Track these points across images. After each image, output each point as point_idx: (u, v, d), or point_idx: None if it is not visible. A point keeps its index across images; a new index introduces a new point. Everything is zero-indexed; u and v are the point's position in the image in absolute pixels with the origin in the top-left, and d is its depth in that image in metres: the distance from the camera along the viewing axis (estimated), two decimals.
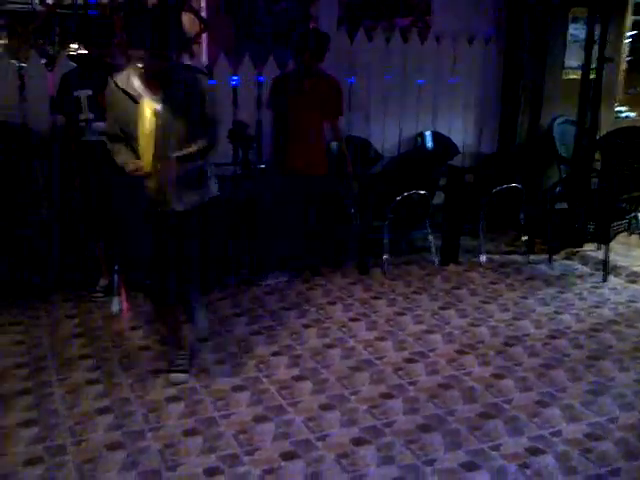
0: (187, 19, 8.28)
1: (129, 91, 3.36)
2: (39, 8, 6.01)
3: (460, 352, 4.27)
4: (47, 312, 4.75)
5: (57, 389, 3.70)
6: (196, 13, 9.66)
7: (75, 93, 4.59)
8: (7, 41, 7.20)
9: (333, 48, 5.41)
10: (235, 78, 6.10)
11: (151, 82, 3.36)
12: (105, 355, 4.12)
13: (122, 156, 3.48)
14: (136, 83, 3.36)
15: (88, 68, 4.67)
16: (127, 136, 3.45)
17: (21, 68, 5.42)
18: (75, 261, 5.19)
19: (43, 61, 5.49)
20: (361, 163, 5.98)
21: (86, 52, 4.87)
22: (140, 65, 3.33)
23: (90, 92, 4.56)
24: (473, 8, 6.84)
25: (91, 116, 4.58)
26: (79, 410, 3.49)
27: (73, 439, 3.23)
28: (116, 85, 3.40)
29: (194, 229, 3.62)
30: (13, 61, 5.69)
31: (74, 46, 9.03)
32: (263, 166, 5.60)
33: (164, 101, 3.34)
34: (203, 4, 11.41)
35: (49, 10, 5.87)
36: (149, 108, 3.31)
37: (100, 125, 4.54)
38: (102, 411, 3.48)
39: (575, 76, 6.61)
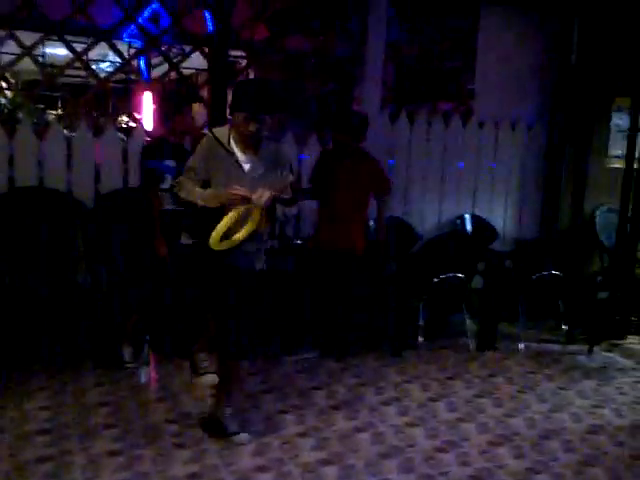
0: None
1: (226, 146, 3.67)
2: (92, 82, 6.23)
3: (494, 443, 4.09)
4: (75, 379, 4.70)
5: (78, 458, 3.63)
6: None
7: (158, 164, 4.70)
8: (61, 111, 7.45)
9: (375, 129, 5.44)
10: None
11: (244, 144, 3.68)
12: (129, 427, 4.04)
13: (208, 191, 3.65)
14: (232, 141, 3.68)
15: (167, 141, 4.81)
16: (214, 183, 3.67)
17: (70, 138, 5.57)
18: (108, 329, 5.14)
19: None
20: (400, 244, 5.95)
21: (134, 125, 4.99)
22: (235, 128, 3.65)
23: (174, 163, 4.66)
24: (517, 95, 6.89)
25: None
26: None
27: None
28: (215, 137, 3.69)
29: (242, 290, 3.78)
30: (64, 130, 5.87)
31: (124, 118, 9.37)
32: (300, 242, 5.59)
33: (252, 162, 3.69)
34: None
35: (101, 85, 6.10)
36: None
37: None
38: None
39: (619, 165, 6.60)
